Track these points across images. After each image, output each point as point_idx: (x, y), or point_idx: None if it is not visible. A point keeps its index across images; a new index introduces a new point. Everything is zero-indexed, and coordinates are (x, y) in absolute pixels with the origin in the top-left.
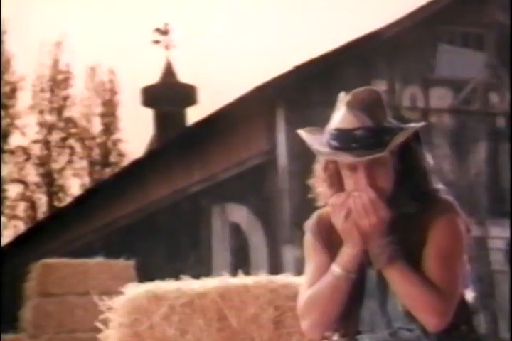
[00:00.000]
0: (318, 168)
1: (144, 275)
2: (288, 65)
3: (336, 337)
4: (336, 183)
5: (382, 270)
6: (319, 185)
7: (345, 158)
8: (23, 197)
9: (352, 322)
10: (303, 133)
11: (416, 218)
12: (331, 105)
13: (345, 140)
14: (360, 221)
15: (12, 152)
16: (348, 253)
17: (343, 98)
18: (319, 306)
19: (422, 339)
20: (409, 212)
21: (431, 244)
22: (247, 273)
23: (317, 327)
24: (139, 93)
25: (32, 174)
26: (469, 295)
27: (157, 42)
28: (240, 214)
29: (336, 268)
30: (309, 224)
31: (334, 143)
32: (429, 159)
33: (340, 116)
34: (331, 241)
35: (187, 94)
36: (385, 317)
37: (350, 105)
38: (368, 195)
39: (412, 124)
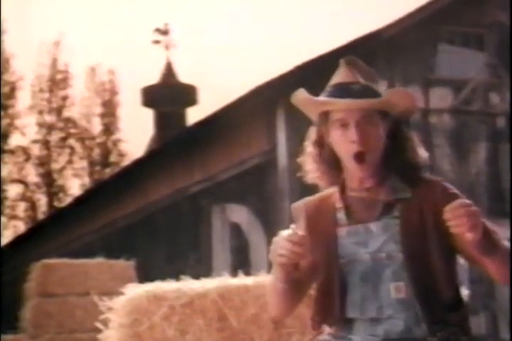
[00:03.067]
0: (309, 144)
1: (144, 275)
2: (288, 65)
3: (327, 327)
4: (327, 159)
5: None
6: (309, 162)
7: (338, 102)
8: (23, 198)
9: (342, 309)
10: (301, 91)
11: (414, 202)
12: None
13: (341, 93)
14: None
15: (12, 152)
16: (277, 270)
17: (342, 60)
18: (269, 296)
19: (413, 329)
20: (405, 197)
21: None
22: (248, 273)
23: (274, 311)
24: (139, 93)
25: (32, 174)
26: (464, 292)
27: (157, 42)
28: (240, 214)
29: (272, 275)
30: (297, 207)
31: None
32: (421, 147)
33: (338, 73)
34: (315, 227)
35: (187, 95)
36: (376, 302)
37: (349, 63)
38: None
39: (402, 88)
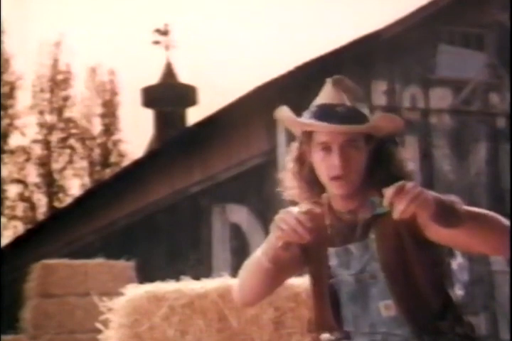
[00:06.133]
0: (289, 160)
1: (144, 276)
2: (288, 65)
3: (326, 337)
4: (307, 177)
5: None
6: (288, 179)
7: (323, 126)
8: (22, 198)
9: (339, 322)
10: (284, 109)
11: (389, 216)
12: None
13: (326, 115)
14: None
15: (12, 152)
16: (270, 243)
17: (328, 80)
18: (243, 277)
19: None
20: (383, 212)
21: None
22: None
23: (238, 295)
24: (139, 93)
25: (32, 174)
26: (457, 293)
27: (157, 42)
28: (240, 214)
29: (259, 251)
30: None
31: (314, 120)
32: (408, 161)
33: (323, 93)
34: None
35: (187, 95)
36: (368, 320)
37: (335, 83)
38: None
39: (389, 114)
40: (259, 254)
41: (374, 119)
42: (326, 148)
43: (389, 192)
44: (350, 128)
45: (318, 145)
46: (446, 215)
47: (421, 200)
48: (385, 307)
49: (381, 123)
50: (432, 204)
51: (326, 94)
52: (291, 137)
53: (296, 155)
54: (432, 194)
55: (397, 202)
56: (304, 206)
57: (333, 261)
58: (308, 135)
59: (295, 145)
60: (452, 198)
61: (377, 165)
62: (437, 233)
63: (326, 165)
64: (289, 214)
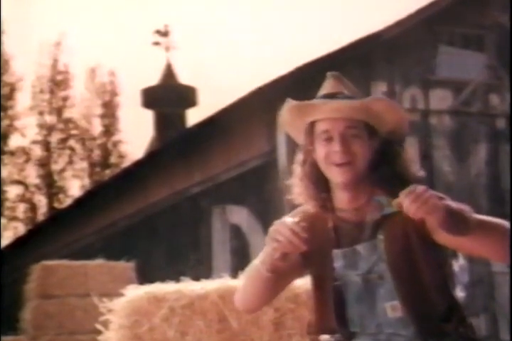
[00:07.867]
0: (297, 165)
1: (144, 276)
2: (288, 66)
3: (325, 338)
4: (311, 174)
5: (463, 235)
6: (297, 184)
7: (324, 102)
8: (22, 199)
9: (344, 323)
10: (291, 101)
11: (398, 216)
12: None
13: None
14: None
15: (12, 153)
16: (267, 253)
17: (328, 74)
18: (244, 285)
19: None
20: (391, 212)
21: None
22: None
23: (239, 301)
24: (139, 94)
25: (32, 175)
26: (459, 295)
27: (157, 43)
28: (240, 215)
29: (257, 261)
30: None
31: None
32: (415, 163)
33: (324, 86)
34: (311, 244)
35: (187, 96)
36: (374, 320)
37: (335, 76)
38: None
39: (386, 98)
40: (258, 263)
41: (369, 98)
42: (328, 138)
43: (404, 192)
44: (348, 103)
45: (320, 136)
46: (455, 223)
47: (430, 206)
48: (392, 308)
49: (376, 105)
50: (441, 210)
51: (327, 86)
52: (291, 138)
53: (302, 158)
54: (441, 199)
55: (407, 206)
56: (299, 214)
57: (338, 263)
58: (311, 129)
59: (300, 151)
60: (462, 206)
61: (383, 164)
62: (445, 238)
63: (328, 153)
64: (283, 226)
